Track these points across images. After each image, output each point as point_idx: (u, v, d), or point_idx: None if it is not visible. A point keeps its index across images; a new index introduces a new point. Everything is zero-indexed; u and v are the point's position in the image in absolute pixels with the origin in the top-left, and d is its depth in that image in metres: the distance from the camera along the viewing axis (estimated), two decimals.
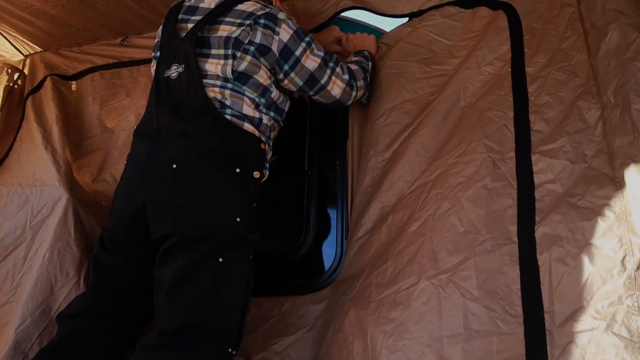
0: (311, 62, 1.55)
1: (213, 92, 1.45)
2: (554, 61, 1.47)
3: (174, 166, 1.37)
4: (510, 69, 1.53)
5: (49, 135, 2.31)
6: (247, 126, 1.46)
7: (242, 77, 1.48)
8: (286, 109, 1.65)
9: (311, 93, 1.61)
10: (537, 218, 1.26)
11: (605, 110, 1.33)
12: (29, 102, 2.46)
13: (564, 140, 1.33)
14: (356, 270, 1.57)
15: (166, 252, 1.36)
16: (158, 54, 1.63)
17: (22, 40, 2.48)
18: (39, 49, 2.56)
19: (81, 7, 2.17)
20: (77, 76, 2.46)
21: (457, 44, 1.69)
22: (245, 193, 1.42)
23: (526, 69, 1.50)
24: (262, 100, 1.52)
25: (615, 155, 1.25)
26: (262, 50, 1.49)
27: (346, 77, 1.63)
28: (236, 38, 1.47)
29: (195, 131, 1.42)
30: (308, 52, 1.55)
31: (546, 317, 1.15)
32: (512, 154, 1.38)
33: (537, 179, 1.31)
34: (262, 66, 1.51)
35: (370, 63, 1.77)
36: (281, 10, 1.57)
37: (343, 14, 2.00)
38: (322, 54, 1.59)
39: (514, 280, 1.22)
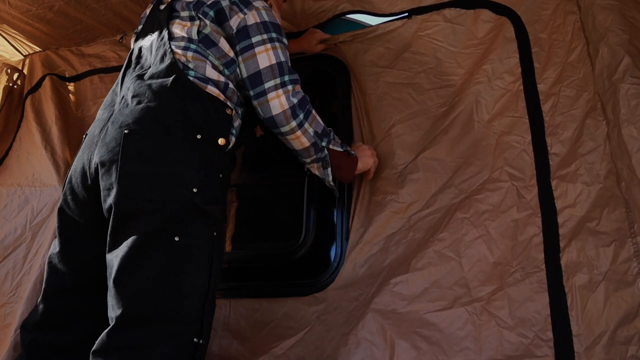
0: (264, 58, 1.39)
1: (177, 55, 1.37)
2: (564, 76, 1.50)
3: (126, 132, 1.24)
4: (522, 87, 1.55)
5: (49, 135, 2.32)
6: (211, 89, 1.35)
7: (206, 41, 1.41)
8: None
9: (251, 93, 1.42)
10: (561, 245, 1.34)
11: (609, 127, 1.38)
12: (27, 102, 2.47)
13: (578, 163, 1.40)
14: (364, 277, 1.57)
15: (114, 230, 1.22)
16: (139, 27, 1.60)
17: (21, 41, 2.48)
18: (38, 49, 2.56)
19: (75, 11, 2.18)
20: (76, 78, 2.45)
21: (461, 50, 1.69)
22: (208, 161, 1.30)
23: (538, 86, 1.53)
24: (227, 72, 1.42)
25: (620, 177, 1.32)
26: (220, 18, 1.41)
27: (295, 100, 1.41)
28: (200, 0, 1.43)
29: (155, 95, 1.31)
30: (268, 46, 1.40)
31: (575, 340, 1.24)
32: (534, 180, 1.44)
33: (558, 204, 1.39)
34: (222, 36, 1.42)
35: (342, 152, 1.53)
36: (265, 2, 1.49)
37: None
38: (283, 59, 1.42)
39: (544, 307, 1.30)
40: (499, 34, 1.64)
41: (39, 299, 1.41)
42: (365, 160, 1.62)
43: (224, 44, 1.42)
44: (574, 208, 1.36)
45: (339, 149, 1.54)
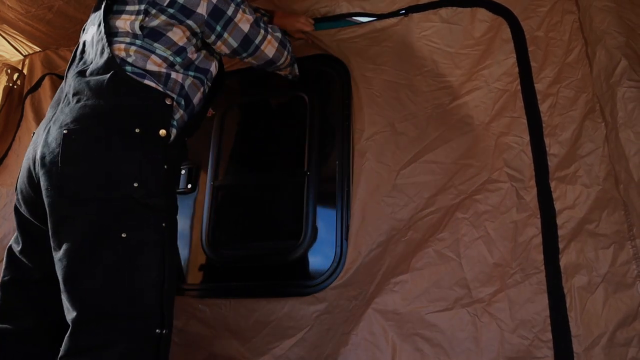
0: (245, 23, 1.53)
1: (118, 50, 1.35)
2: (562, 77, 1.51)
3: (65, 132, 1.24)
4: (519, 86, 1.55)
5: None
6: (148, 82, 1.34)
7: (153, 34, 1.39)
8: (212, 68, 1.55)
9: (244, 55, 1.59)
10: (560, 246, 1.36)
11: (607, 129, 1.39)
12: (27, 102, 2.47)
13: (577, 164, 1.41)
14: (363, 276, 1.57)
15: (55, 231, 1.22)
16: (89, 19, 1.59)
17: (21, 41, 2.48)
18: (38, 49, 2.56)
19: (75, 11, 2.18)
20: None
21: (458, 50, 1.69)
22: (149, 155, 1.29)
23: (535, 85, 1.53)
24: (178, 59, 1.42)
25: (618, 180, 1.33)
26: (185, 13, 1.41)
27: (278, 34, 1.64)
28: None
29: (93, 92, 1.29)
30: (240, 11, 1.52)
31: (574, 341, 1.26)
32: (533, 181, 1.45)
33: (557, 205, 1.40)
34: (180, 26, 1.41)
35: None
36: None
37: None
38: (253, 15, 1.57)
39: (544, 308, 1.33)
40: (495, 36, 1.64)
41: None
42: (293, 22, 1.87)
43: (175, 33, 1.41)
44: (573, 210, 1.37)
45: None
